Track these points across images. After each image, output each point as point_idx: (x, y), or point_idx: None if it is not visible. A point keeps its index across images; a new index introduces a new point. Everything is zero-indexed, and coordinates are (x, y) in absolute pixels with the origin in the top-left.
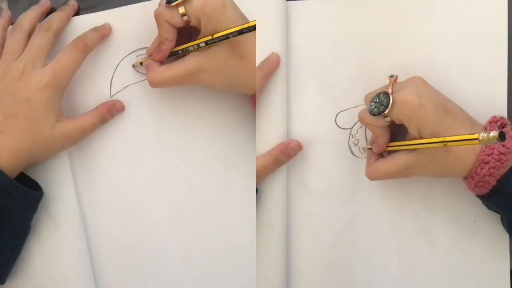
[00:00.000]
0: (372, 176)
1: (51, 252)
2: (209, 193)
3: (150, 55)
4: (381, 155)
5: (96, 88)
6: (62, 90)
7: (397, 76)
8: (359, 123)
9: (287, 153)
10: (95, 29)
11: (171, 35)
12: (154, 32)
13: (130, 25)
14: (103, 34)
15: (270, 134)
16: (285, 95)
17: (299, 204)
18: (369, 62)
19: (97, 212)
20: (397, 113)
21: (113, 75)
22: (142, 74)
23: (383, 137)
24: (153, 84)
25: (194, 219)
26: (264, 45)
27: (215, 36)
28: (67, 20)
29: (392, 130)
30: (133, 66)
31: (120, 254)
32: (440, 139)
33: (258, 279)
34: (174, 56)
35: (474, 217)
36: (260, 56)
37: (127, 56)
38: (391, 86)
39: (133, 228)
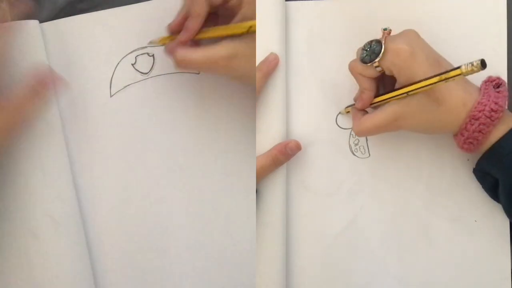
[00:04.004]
0: (359, 131)
1: (50, 252)
2: (209, 193)
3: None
4: (365, 112)
5: (96, 88)
6: None
7: (390, 30)
8: None
9: (286, 153)
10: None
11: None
12: (154, 33)
13: (130, 25)
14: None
15: (270, 134)
16: (284, 95)
17: (299, 204)
18: None
19: (97, 212)
20: (389, 62)
21: (113, 75)
22: (142, 74)
23: (369, 92)
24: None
25: (194, 219)
26: (263, 45)
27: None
28: None
29: (377, 88)
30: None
31: (120, 254)
32: (423, 83)
33: (258, 279)
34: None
35: (474, 217)
36: (260, 56)
37: (126, 56)
38: (384, 38)
39: (133, 228)
